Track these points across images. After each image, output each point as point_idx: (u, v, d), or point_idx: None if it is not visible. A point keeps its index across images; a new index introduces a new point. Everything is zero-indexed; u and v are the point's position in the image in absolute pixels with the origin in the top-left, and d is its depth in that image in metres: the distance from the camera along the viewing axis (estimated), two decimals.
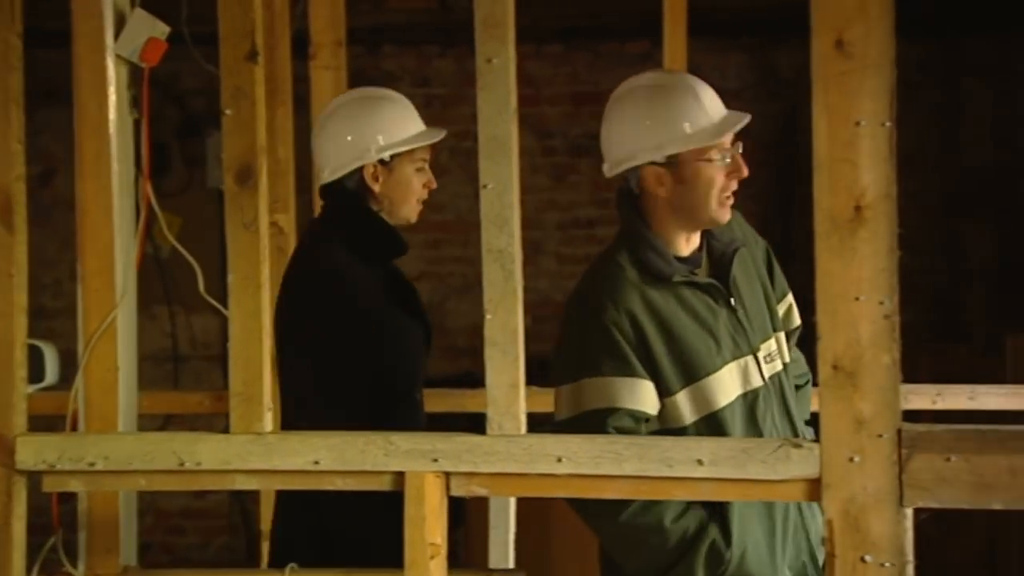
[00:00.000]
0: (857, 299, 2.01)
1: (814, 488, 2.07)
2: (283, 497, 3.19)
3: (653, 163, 2.66)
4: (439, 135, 3.36)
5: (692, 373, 2.64)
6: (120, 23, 2.69)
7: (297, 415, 3.13)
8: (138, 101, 2.78)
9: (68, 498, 2.65)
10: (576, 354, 2.67)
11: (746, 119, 2.70)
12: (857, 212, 2.01)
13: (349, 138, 3.19)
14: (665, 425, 2.64)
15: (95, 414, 2.69)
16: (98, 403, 2.69)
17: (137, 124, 2.78)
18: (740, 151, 2.73)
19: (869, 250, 2.01)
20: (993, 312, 6.56)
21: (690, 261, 2.74)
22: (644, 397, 2.62)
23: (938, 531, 2.82)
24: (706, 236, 2.77)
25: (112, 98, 2.66)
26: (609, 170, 2.81)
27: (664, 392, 2.63)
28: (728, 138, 2.68)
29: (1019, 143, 6.50)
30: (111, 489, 2.66)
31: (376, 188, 3.21)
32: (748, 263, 2.82)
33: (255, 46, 2.53)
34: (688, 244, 2.75)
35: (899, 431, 2.02)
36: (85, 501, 2.70)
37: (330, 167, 3.22)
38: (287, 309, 3.16)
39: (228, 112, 2.56)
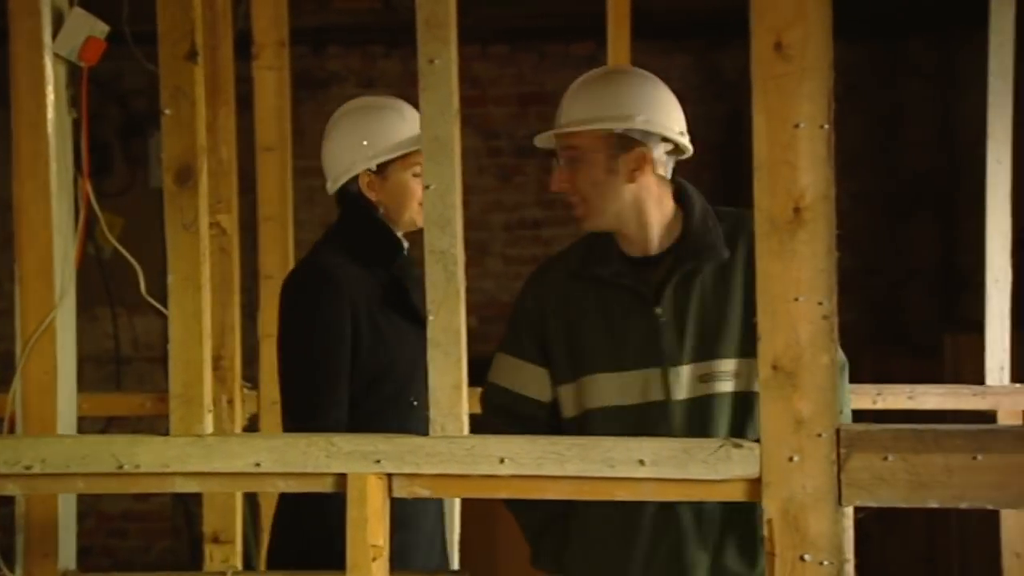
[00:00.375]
0: (796, 300, 2.03)
1: (754, 487, 2.08)
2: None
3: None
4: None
5: (579, 368, 2.68)
6: (58, 22, 2.67)
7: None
8: (77, 100, 2.76)
9: (5, 502, 2.63)
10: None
11: None
12: (796, 214, 2.02)
13: (341, 148, 3.25)
14: (560, 414, 2.73)
15: (33, 416, 2.67)
16: (36, 405, 2.67)
17: (76, 124, 2.77)
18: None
19: (808, 251, 2.03)
20: (932, 313, 6.62)
21: (642, 262, 2.73)
22: (529, 381, 2.74)
23: (878, 529, 2.85)
24: (682, 242, 2.72)
25: (50, 97, 2.64)
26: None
27: (556, 381, 2.72)
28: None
29: (961, 144, 6.55)
30: (49, 492, 2.64)
31: (372, 196, 3.23)
32: (732, 281, 2.70)
33: (195, 46, 2.52)
34: (644, 246, 2.74)
35: (838, 430, 2.04)
36: (22, 505, 2.68)
37: (331, 177, 3.29)
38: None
39: (168, 112, 2.55)
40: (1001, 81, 3.87)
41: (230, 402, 3.64)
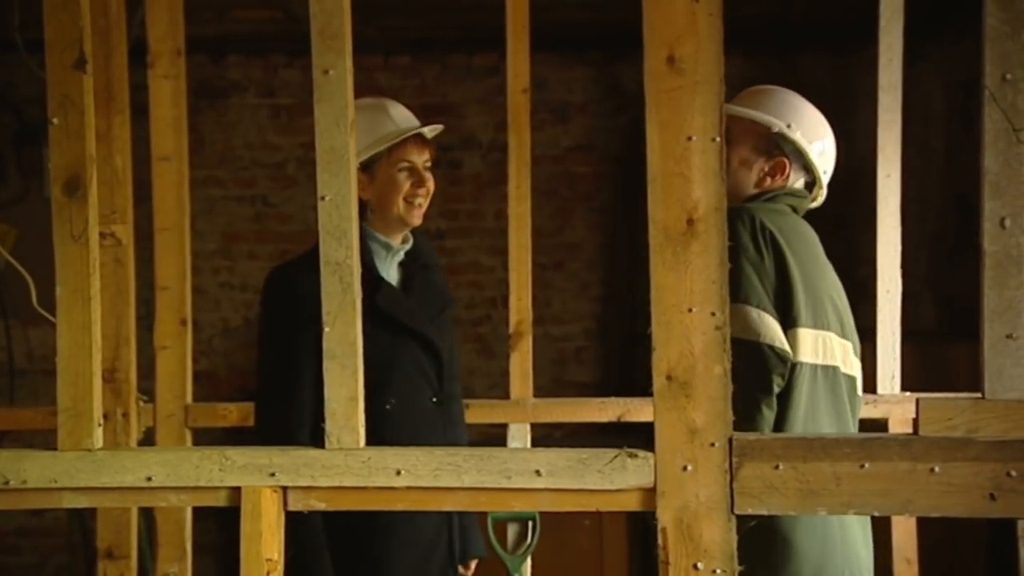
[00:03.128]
0: (690, 311, 2.04)
1: (649, 497, 2.09)
2: None
3: None
4: (398, 136, 3.36)
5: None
6: None
7: None
8: None
9: None
10: None
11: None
12: (689, 225, 2.04)
13: None
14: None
15: None
16: None
17: None
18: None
19: (701, 263, 2.04)
20: None
21: None
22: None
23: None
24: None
25: None
26: None
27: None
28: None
29: (856, 156, 6.64)
30: None
31: (364, 196, 3.25)
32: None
33: (84, 54, 2.48)
34: None
35: (730, 440, 2.05)
36: None
37: None
38: None
39: (55, 121, 2.50)
40: (890, 96, 3.93)
41: (125, 415, 3.58)
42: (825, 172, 3.13)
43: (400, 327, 3.24)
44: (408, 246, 3.47)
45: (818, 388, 2.91)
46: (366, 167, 3.32)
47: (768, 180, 3.07)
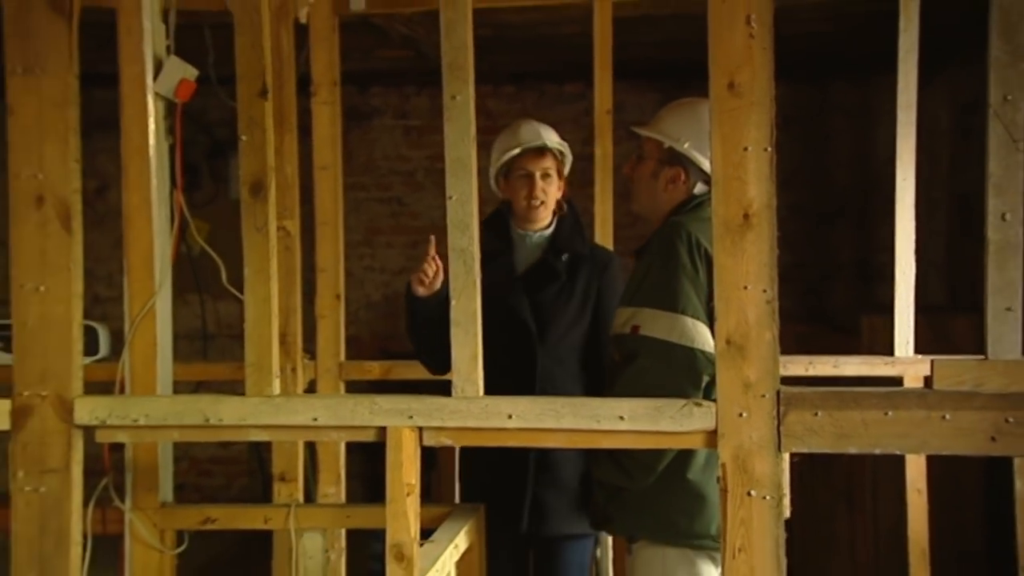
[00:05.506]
0: (745, 288, 2.02)
1: (711, 438, 2.08)
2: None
3: None
4: (518, 148, 3.39)
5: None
6: (158, 67, 2.67)
7: None
8: (173, 130, 2.76)
9: (117, 447, 2.63)
10: None
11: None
12: (745, 219, 2.02)
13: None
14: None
15: (138, 381, 2.68)
16: (141, 372, 2.68)
17: (172, 148, 2.77)
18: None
19: (755, 249, 2.02)
20: (852, 299, 6.62)
21: None
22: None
23: (808, 469, 2.86)
24: None
25: (151, 127, 2.65)
26: None
27: None
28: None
29: (874, 167, 6.55)
30: (151, 440, 2.65)
31: (503, 195, 3.47)
32: None
33: (265, 85, 2.51)
34: None
35: (778, 392, 2.03)
36: (131, 450, 2.69)
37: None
38: None
39: (244, 138, 2.54)
40: (906, 114, 3.86)
41: (293, 370, 3.63)
42: None
43: (496, 300, 3.22)
44: (546, 233, 3.46)
45: None
46: (504, 174, 3.37)
47: (671, 186, 2.95)
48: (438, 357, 3.20)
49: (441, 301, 2.82)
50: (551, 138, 3.41)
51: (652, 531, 2.84)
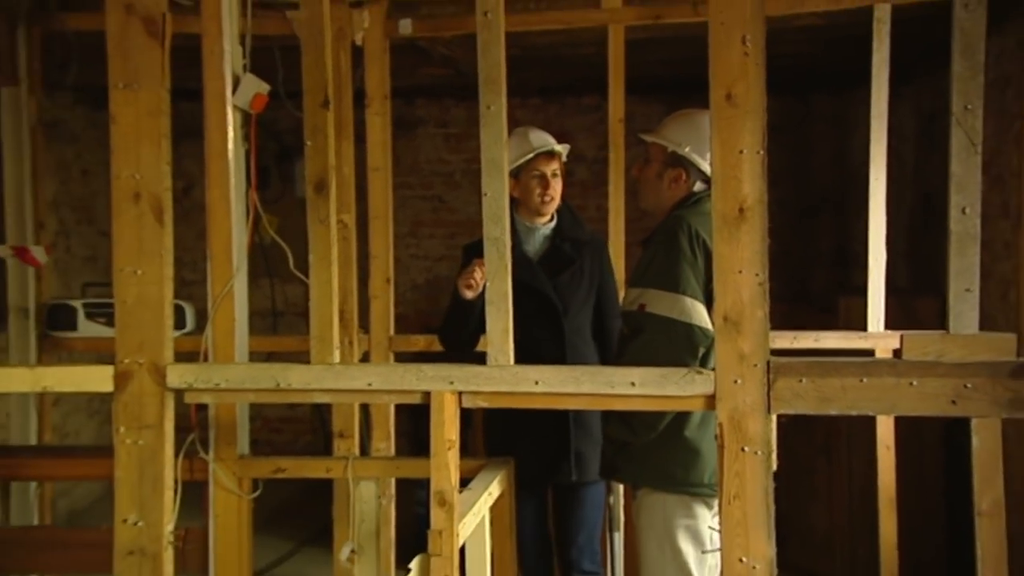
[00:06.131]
0: (740, 272, 2.01)
1: (710, 401, 2.07)
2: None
3: None
4: (531, 152, 3.37)
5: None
6: (236, 83, 2.68)
7: None
8: (248, 137, 2.77)
9: (202, 407, 2.65)
10: None
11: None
12: (740, 213, 2.01)
13: None
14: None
15: (220, 351, 2.69)
16: (222, 344, 2.69)
17: (247, 153, 2.78)
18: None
19: (748, 239, 2.01)
20: (831, 283, 6.59)
21: None
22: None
23: (793, 428, 2.85)
24: None
25: (230, 135, 2.65)
26: None
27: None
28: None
29: (850, 168, 6.50)
30: (230, 402, 2.67)
31: (514, 194, 3.31)
32: None
33: (327, 97, 2.52)
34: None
35: (768, 362, 2.02)
36: (213, 409, 2.71)
37: None
38: None
39: (309, 143, 2.56)
40: (878, 122, 3.83)
41: (350, 342, 3.65)
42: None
43: (522, 283, 3.23)
44: (551, 225, 3.46)
45: None
46: (515, 174, 3.34)
47: (673, 185, 2.94)
48: (467, 352, 3.28)
49: (478, 304, 2.89)
50: (554, 142, 3.44)
51: (653, 480, 2.84)
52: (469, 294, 3.24)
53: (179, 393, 2.32)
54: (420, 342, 4.35)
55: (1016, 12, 3.93)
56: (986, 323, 2.12)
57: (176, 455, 2.34)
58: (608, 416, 2.86)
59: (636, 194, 3.10)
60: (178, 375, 2.29)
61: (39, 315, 4.25)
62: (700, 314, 2.67)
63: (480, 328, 2.34)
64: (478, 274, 3.17)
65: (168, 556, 2.27)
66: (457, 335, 3.39)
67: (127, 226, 2.24)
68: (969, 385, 1.97)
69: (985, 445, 2.23)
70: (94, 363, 2.38)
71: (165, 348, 2.27)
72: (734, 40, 1.99)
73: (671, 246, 2.73)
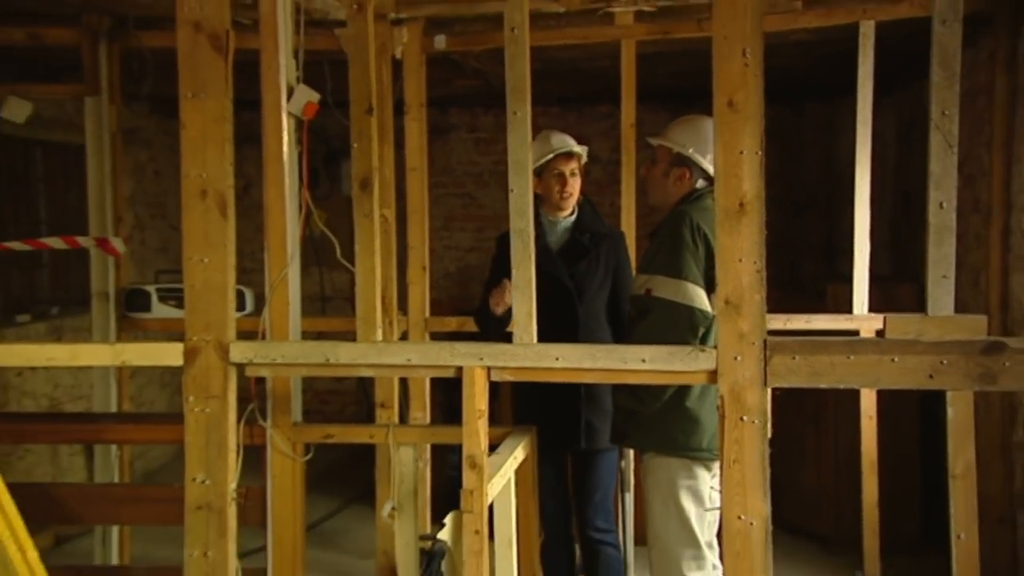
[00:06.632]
0: (740, 260, 2.00)
1: (713, 376, 2.06)
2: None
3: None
4: (551, 153, 3.36)
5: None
6: (290, 93, 2.68)
7: None
8: (300, 141, 2.77)
9: (260, 380, 2.67)
10: None
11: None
12: (741, 208, 1.99)
13: None
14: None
15: (276, 330, 2.70)
16: (278, 324, 2.70)
17: (300, 155, 2.78)
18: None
19: (748, 231, 1.99)
20: (819, 271, 6.54)
21: None
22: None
23: (785, 400, 2.83)
24: None
25: (285, 139, 2.65)
26: None
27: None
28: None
29: (837, 169, 6.45)
30: (285, 375, 2.68)
31: (537, 191, 3.31)
32: None
33: (371, 105, 2.52)
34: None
35: (765, 341, 2.01)
36: (270, 382, 2.72)
37: None
38: None
39: (355, 145, 2.55)
40: (863, 128, 3.80)
41: (391, 323, 3.65)
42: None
43: (543, 272, 3.21)
44: (572, 219, 3.45)
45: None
46: (538, 173, 3.33)
47: (678, 183, 2.93)
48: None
49: (505, 319, 2.93)
50: (574, 144, 3.41)
51: (658, 445, 2.84)
52: (499, 311, 3.26)
53: (240, 367, 2.32)
54: (452, 323, 4.36)
55: (986, 30, 3.89)
56: (959, 307, 2.10)
57: (238, 422, 2.35)
58: (618, 389, 2.86)
59: (644, 191, 3.09)
60: (240, 351, 2.29)
61: (118, 299, 4.29)
62: (700, 298, 2.67)
63: (503, 327, 2.35)
64: (508, 295, 3.15)
65: (231, 511, 2.29)
66: (485, 333, 3.44)
67: (195, 220, 2.25)
68: (945, 361, 1.94)
69: (959, 415, 2.21)
70: (166, 341, 2.40)
71: (228, 328, 2.28)
72: (735, 53, 1.97)
73: (675, 237, 2.73)
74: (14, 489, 2.05)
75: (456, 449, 2.64)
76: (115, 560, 4.27)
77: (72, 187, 5.51)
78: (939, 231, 2.08)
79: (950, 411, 2.21)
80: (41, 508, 2.91)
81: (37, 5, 3.86)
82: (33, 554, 0.97)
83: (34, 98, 4.36)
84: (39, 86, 4.46)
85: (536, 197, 3.46)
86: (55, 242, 4.20)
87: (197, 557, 2.26)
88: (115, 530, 4.28)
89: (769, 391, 2.03)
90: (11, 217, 5.22)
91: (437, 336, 4.24)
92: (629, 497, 3.91)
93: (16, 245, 4.28)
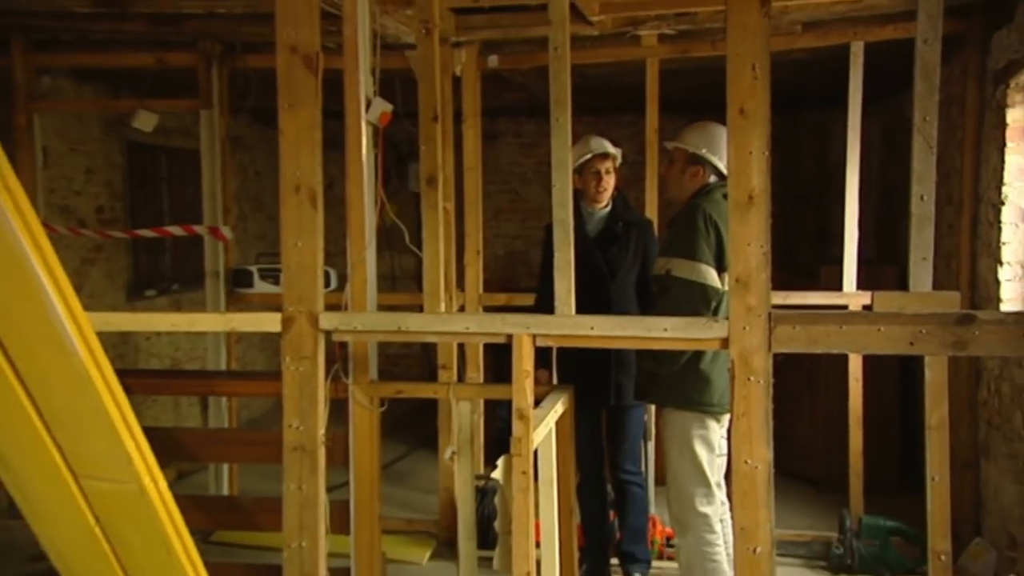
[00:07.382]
0: (749, 244, 1.97)
1: (724, 343, 2.04)
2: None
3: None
4: (589, 154, 3.34)
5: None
6: (368, 104, 2.68)
7: None
8: (376, 145, 2.77)
9: (344, 344, 2.69)
10: None
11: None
12: (750, 199, 1.96)
13: None
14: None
15: (356, 302, 2.71)
16: (357, 297, 2.71)
17: (376, 157, 2.78)
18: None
19: (755, 220, 1.97)
20: (814, 255, 6.43)
21: None
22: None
23: (784, 363, 2.79)
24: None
25: (364, 143, 2.66)
26: None
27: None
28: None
29: (829, 168, 6.33)
30: (364, 340, 2.69)
31: (577, 186, 3.29)
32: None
33: (436, 113, 2.51)
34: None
35: (769, 313, 1.98)
36: (351, 346, 2.74)
37: None
38: None
39: (423, 148, 2.55)
40: (853, 133, 3.73)
41: (451, 298, 3.67)
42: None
43: (580, 255, 3.18)
44: (607, 210, 3.43)
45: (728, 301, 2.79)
46: (578, 171, 3.31)
47: (693, 179, 2.88)
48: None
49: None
50: (609, 146, 3.38)
51: (675, 401, 2.83)
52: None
53: (328, 333, 2.35)
54: (501, 298, 4.37)
55: (959, 48, 3.79)
56: (935, 286, 2.07)
57: (325, 379, 2.37)
58: (641, 354, 2.85)
59: (663, 187, 3.06)
60: (327, 320, 2.32)
61: (226, 277, 4.36)
62: (712, 277, 2.66)
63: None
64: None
65: (321, 452, 2.32)
66: (537, 307, 3.44)
67: (291, 210, 2.27)
68: (924, 331, 1.91)
69: (935, 377, 2.17)
70: (266, 311, 2.42)
71: (318, 301, 2.31)
72: (746, 67, 1.93)
73: (690, 225, 2.72)
74: (145, 432, 2.09)
75: (505, 404, 2.64)
76: (226, 491, 4.37)
77: (189, 185, 5.61)
78: (920, 220, 2.05)
79: (928, 373, 2.17)
80: (166, 448, 2.97)
81: (162, 34, 3.92)
82: (163, 484, 0.99)
83: (159, 111, 4.44)
84: (163, 101, 4.53)
85: (576, 191, 3.45)
86: (176, 230, 4.29)
87: (293, 490, 2.30)
88: (225, 467, 4.37)
89: (772, 356, 2.00)
90: (140, 210, 5.33)
91: (489, 309, 4.25)
92: (651, 445, 3.90)
93: (145, 232, 4.38)
